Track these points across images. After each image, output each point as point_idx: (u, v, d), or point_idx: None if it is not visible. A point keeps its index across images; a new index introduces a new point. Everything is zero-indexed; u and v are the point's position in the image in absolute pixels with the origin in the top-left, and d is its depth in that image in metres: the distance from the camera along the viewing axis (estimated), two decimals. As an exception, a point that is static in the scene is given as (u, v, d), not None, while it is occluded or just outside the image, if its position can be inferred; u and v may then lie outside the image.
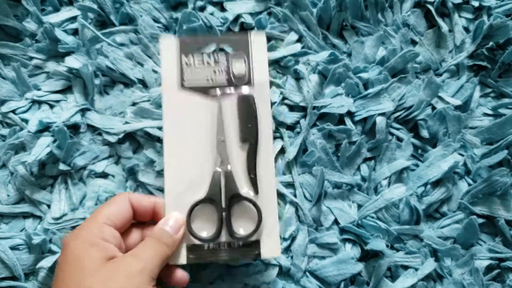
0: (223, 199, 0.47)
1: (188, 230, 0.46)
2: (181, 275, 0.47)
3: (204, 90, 0.49)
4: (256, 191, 0.48)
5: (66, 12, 0.63)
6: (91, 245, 0.41)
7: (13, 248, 0.54)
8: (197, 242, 0.47)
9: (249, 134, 0.48)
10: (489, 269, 0.55)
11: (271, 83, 0.60)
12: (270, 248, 0.48)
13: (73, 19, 0.62)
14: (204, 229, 0.47)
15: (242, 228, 0.47)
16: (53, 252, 0.54)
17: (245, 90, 0.49)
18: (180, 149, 0.48)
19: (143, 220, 0.48)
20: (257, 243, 0.47)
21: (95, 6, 0.61)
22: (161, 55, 0.50)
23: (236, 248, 0.47)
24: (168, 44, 0.50)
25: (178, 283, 0.47)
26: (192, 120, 0.48)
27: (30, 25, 0.62)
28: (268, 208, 0.48)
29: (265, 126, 0.49)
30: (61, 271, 0.41)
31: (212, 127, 0.48)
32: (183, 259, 0.47)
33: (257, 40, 0.51)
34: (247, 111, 0.49)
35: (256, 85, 0.49)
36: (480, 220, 0.56)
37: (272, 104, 0.59)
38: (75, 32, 0.62)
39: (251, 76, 0.50)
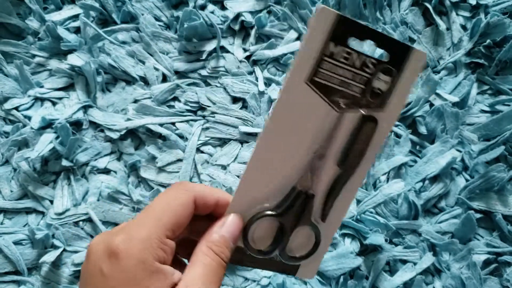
0: (291, 218, 0.41)
1: (245, 239, 0.40)
2: None
3: (332, 94, 0.38)
4: (323, 219, 0.41)
5: (68, 11, 0.63)
6: (151, 274, 0.33)
7: (16, 243, 0.55)
8: (241, 245, 0.41)
9: (350, 161, 0.40)
10: (486, 263, 0.56)
11: (270, 80, 0.61)
12: (307, 270, 0.43)
13: (75, 17, 0.63)
14: (259, 242, 0.41)
15: (295, 252, 0.42)
16: (55, 247, 0.55)
17: (372, 112, 0.39)
18: (276, 148, 0.40)
19: (200, 214, 0.40)
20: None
21: (97, 5, 0.62)
22: (308, 30, 0.37)
23: (275, 261, 0.42)
24: (322, 17, 0.36)
25: None
26: (302, 122, 0.39)
27: (32, 23, 0.62)
28: (326, 236, 0.42)
29: (369, 157, 0.40)
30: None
31: (318, 139, 0.39)
32: None
33: (417, 58, 0.39)
34: (362, 136, 0.40)
35: (388, 111, 0.39)
36: (478, 215, 0.57)
37: (272, 100, 0.60)
38: (77, 30, 0.63)
39: (389, 98, 0.39)
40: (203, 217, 0.39)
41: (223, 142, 0.60)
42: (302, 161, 0.40)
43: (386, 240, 0.56)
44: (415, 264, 0.55)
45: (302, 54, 0.37)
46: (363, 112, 0.38)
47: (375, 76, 0.38)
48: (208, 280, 0.34)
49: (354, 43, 0.37)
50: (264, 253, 0.41)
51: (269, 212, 0.40)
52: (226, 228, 0.38)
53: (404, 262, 0.56)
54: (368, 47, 0.57)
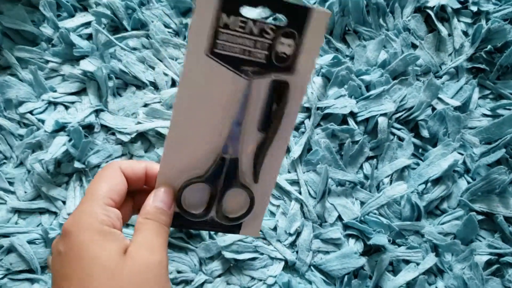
0: (221, 183, 0.42)
1: (176, 205, 0.42)
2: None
3: (236, 63, 0.39)
4: (255, 180, 0.43)
5: (81, 18, 0.65)
6: (102, 236, 0.36)
7: (30, 242, 0.56)
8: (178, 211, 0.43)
9: (270, 125, 0.41)
10: (488, 264, 0.57)
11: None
12: (251, 228, 0.45)
13: (88, 24, 0.65)
14: (194, 207, 0.43)
15: (231, 213, 0.44)
16: (68, 246, 0.56)
17: (282, 76, 0.40)
18: (189, 123, 0.41)
19: (136, 188, 0.43)
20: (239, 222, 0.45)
21: (108, 12, 0.64)
22: (195, 6, 0.37)
23: (216, 222, 0.44)
24: None
25: None
26: (212, 93, 0.40)
27: (46, 30, 0.64)
28: (262, 195, 0.44)
29: (289, 119, 0.41)
30: (71, 268, 0.35)
31: (232, 107, 0.40)
32: None
33: (318, 18, 0.38)
34: (278, 99, 0.41)
35: (298, 73, 0.40)
36: (480, 217, 0.58)
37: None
38: (89, 37, 0.65)
39: (296, 61, 0.39)
40: (145, 194, 0.42)
41: (230, 144, 0.61)
42: (222, 129, 0.41)
43: (389, 241, 0.57)
44: (418, 264, 0.57)
45: (195, 28, 0.37)
46: (273, 77, 0.39)
47: (277, 41, 0.38)
48: (152, 242, 0.38)
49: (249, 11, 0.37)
50: (199, 216, 0.43)
51: (197, 178, 0.42)
52: (156, 198, 0.41)
53: (407, 262, 0.57)
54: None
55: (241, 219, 0.44)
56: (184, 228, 0.45)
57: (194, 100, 0.40)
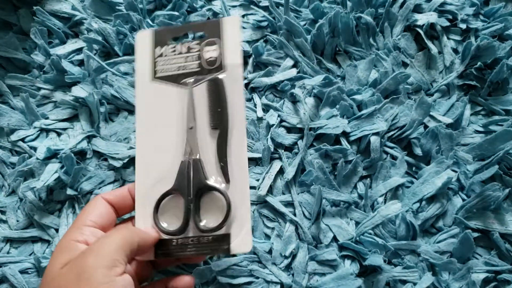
0: (191, 189, 0.44)
1: (155, 224, 0.44)
2: (187, 281, 0.45)
3: (176, 79, 0.48)
4: (227, 180, 0.45)
5: (72, 44, 0.66)
6: (59, 250, 0.40)
7: (22, 272, 0.56)
8: (165, 237, 0.44)
9: (219, 120, 0.46)
10: (486, 282, 0.57)
11: (268, 106, 0.63)
12: (240, 243, 0.44)
13: (79, 50, 0.66)
14: (171, 223, 0.44)
15: (211, 221, 0.44)
16: (61, 275, 0.56)
17: (215, 75, 0.48)
18: (150, 141, 0.47)
19: (127, 212, 0.46)
20: (227, 237, 0.44)
21: (99, 38, 0.64)
22: (136, 48, 0.50)
23: (205, 243, 0.44)
24: (143, 37, 0.51)
25: None
26: (163, 110, 0.47)
27: (38, 57, 0.65)
28: (240, 199, 0.44)
29: (238, 111, 0.46)
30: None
31: (183, 116, 0.47)
32: (150, 255, 0.45)
33: (229, 24, 0.49)
34: (216, 95, 0.47)
35: (228, 68, 0.48)
36: (475, 234, 0.58)
37: (271, 126, 0.61)
38: (81, 63, 0.65)
39: (223, 60, 0.48)
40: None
41: (223, 167, 0.61)
42: (180, 138, 0.47)
43: (385, 261, 0.56)
44: (415, 284, 0.56)
45: (139, 63, 0.50)
46: (207, 79, 0.48)
47: (203, 50, 0.49)
48: (111, 244, 0.38)
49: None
50: (179, 231, 0.44)
51: (165, 190, 0.45)
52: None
53: (404, 282, 0.56)
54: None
55: (221, 227, 0.44)
56: (168, 256, 0.44)
57: (150, 119, 0.48)
